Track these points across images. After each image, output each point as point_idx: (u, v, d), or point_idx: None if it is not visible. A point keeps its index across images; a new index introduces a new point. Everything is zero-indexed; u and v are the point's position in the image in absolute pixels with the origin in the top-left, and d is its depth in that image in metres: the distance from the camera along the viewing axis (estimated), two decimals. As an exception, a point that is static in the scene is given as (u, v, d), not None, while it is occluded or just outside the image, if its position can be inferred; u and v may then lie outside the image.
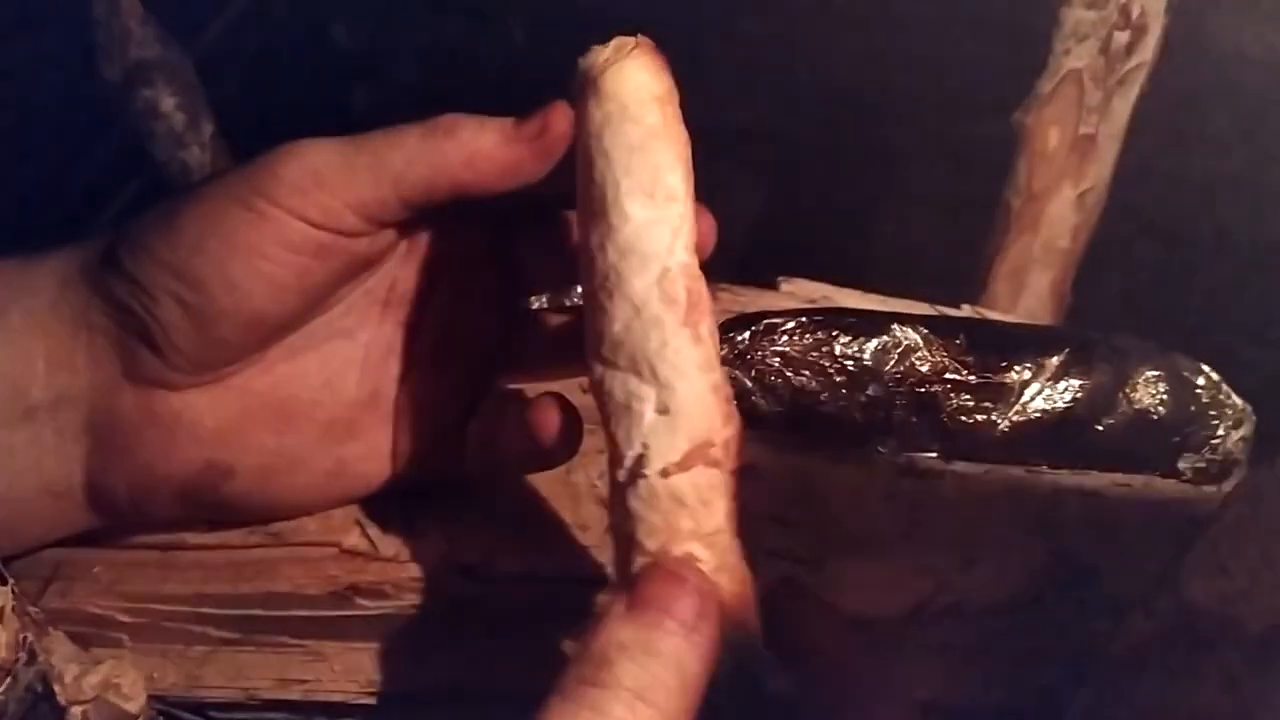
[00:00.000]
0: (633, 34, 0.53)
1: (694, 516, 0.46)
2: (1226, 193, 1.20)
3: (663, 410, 0.48)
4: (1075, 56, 0.98)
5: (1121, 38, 0.97)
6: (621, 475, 0.48)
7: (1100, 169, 1.03)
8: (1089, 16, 0.97)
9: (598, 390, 0.50)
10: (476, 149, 0.54)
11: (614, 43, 0.52)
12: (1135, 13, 0.97)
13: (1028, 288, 1.05)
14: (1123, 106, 1.01)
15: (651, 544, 0.46)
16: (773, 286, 1.00)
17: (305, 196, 0.55)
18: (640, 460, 0.47)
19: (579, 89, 0.53)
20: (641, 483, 0.47)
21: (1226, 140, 1.18)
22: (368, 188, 0.55)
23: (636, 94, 0.51)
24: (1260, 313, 1.10)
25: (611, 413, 0.49)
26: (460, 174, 0.54)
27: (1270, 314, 1.08)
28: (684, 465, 0.47)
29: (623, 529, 0.48)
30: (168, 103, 1.06)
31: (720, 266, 1.00)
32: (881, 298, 0.98)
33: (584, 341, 0.52)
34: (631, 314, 0.49)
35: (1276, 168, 1.16)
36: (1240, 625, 0.40)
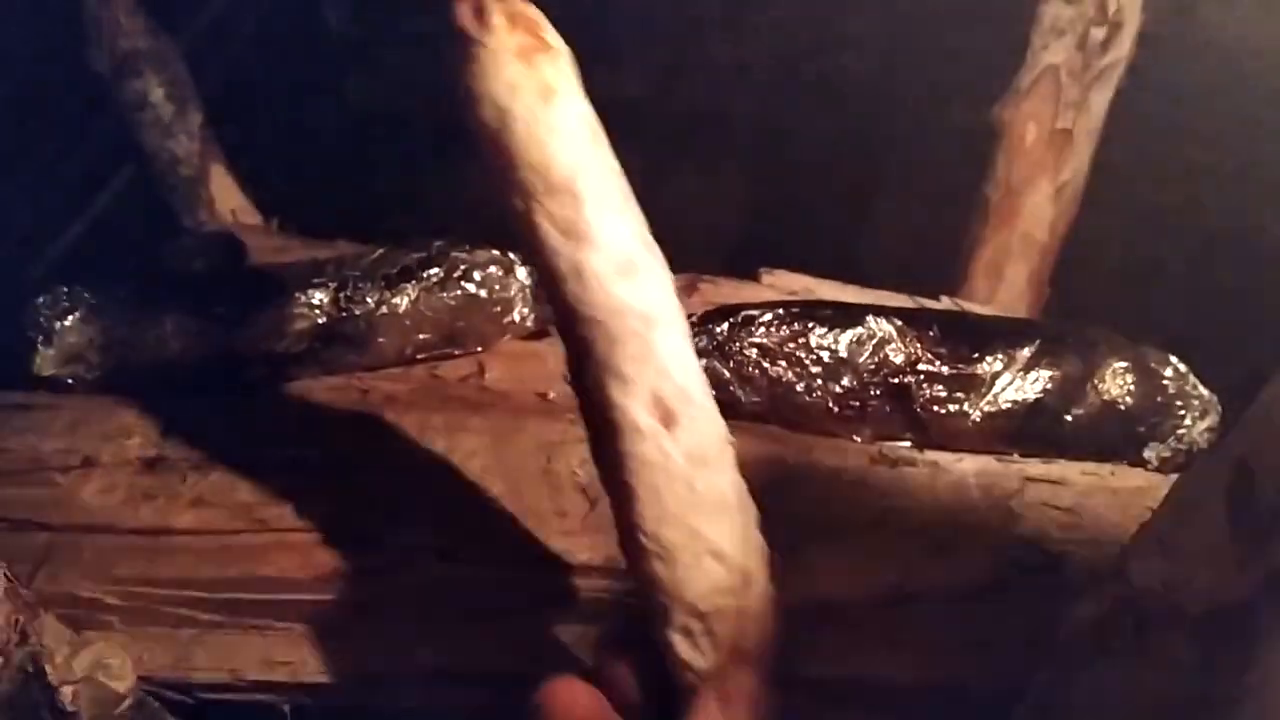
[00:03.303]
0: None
1: None
2: (1212, 185, 1.21)
3: None
4: (1053, 52, 1.00)
5: (1098, 34, 0.99)
6: None
7: (1077, 163, 1.04)
8: (1066, 12, 0.98)
9: None
10: None
11: None
12: (1112, 9, 0.98)
13: (1005, 280, 1.07)
14: (1100, 101, 1.02)
15: None
16: (755, 278, 1.02)
17: None
18: None
19: None
20: None
21: (1213, 133, 1.20)
22: None
23: None
24: (1242, 305, 1.11)
25: None
26: None
27: (1252, 306, 1.09)
28: None
29: None
30: (156, 93, 1.06)
31: (707, 259, 1.02)
32: (860, 290, 0.99)
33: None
34: None
35: (1264, 160, 1.17)
36: (1181, 608, 0.42)
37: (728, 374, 0.77)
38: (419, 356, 0.84)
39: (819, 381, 0.77)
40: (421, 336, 0.84)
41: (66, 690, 0.57)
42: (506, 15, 0.49)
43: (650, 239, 0.52)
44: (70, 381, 0.80)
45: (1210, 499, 0.41)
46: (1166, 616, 0.42)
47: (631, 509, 0.50)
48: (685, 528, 0.50)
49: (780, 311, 0.78)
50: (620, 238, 0.50)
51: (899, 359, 0.77)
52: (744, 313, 0.79)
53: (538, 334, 0.87)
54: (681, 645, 0.50)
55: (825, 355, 0.77)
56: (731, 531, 0.51)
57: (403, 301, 0.82)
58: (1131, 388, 0.77)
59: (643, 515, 0.50)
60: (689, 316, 0.80)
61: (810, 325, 0.78)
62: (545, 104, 0.49)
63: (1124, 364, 0.78)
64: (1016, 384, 0.77)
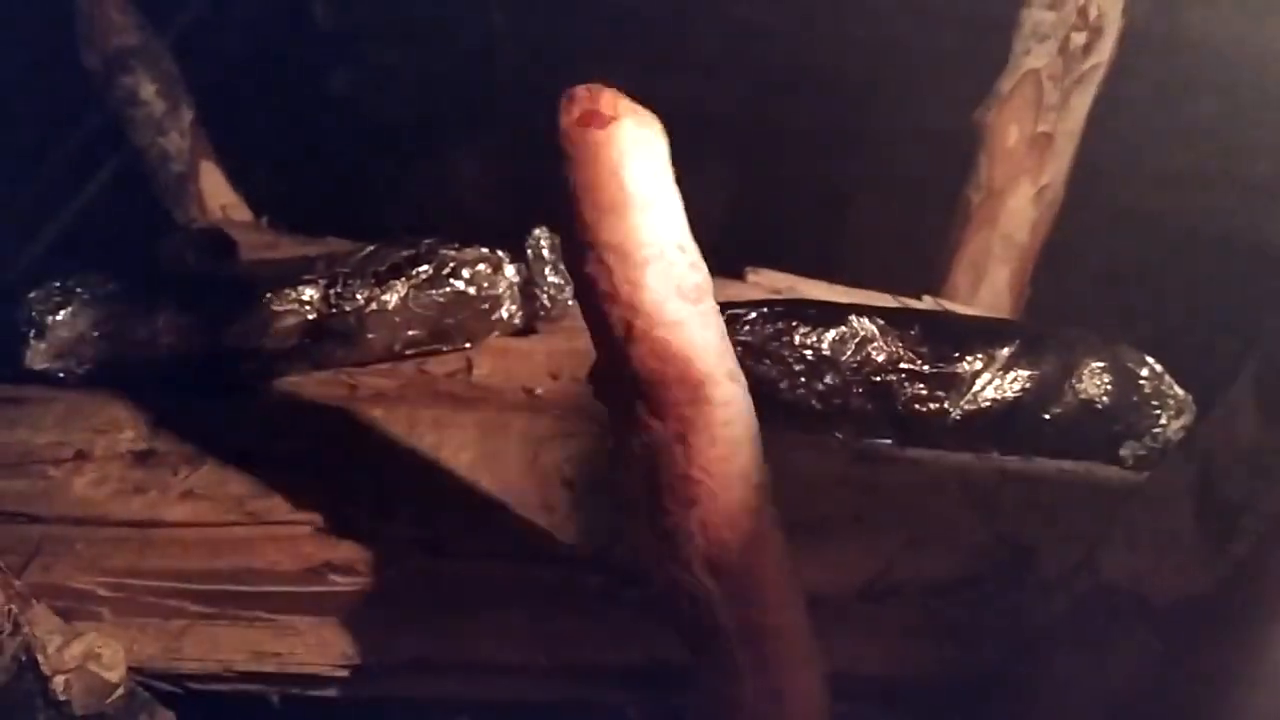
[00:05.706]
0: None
1: None
2: (1190, 187, 1.23)
3: None
4: (1034, 56, 1.01)
5: (1079, 39, 1.00)
6: None
7: (1058, 166, 1.06)
8: (1048, 18, 1.00)
9: None
10: None
11: None
12: (1093, 14, 0.99)
13: (986, 280, 1.08)
14: (1080, 105, 1.04)
15: None
16: (740, 277, 1.03)
17: None
18: None
19: None
20: None
21: (1191, 135, 1.21)
22: None
23: None
24: (1218, 306, 1.12)
25: None
26: None
27: (1227, 307, 1.11)
28: None
29: None
30: (147, 89, 1.07)
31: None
32: (845, 289, 1.01)
33: None
34: None
35: (1241, 161, 1.19)
36: (1148, 600, 0.44)
37: (712, 371, 0.78)
38: (408, 352, 0.85)
39: (802, 379, 0.78)
40: (410, 333, 0.85)
41: (59, 680, 0.58)
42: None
43: None
44: (62, 375, 0.80)
45: (1177, 495, 0.42)
46: (1134, 608, 0.44)
47: None
48: None
49: (765, 310, 0.80)
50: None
51: (881, 358, 0.78)
52: (729, 311, 0.79)
53: (525, 330, 0.88)
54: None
55: (808, 354, 0.78)
56: None
57: (392, 298, 0.83)
58: (1108, 387, 0.79)
59: None
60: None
61: (794, 324, 0.79)
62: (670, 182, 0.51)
63: (1101, 364, 0.79)
64: (996, 383, 0.78)
